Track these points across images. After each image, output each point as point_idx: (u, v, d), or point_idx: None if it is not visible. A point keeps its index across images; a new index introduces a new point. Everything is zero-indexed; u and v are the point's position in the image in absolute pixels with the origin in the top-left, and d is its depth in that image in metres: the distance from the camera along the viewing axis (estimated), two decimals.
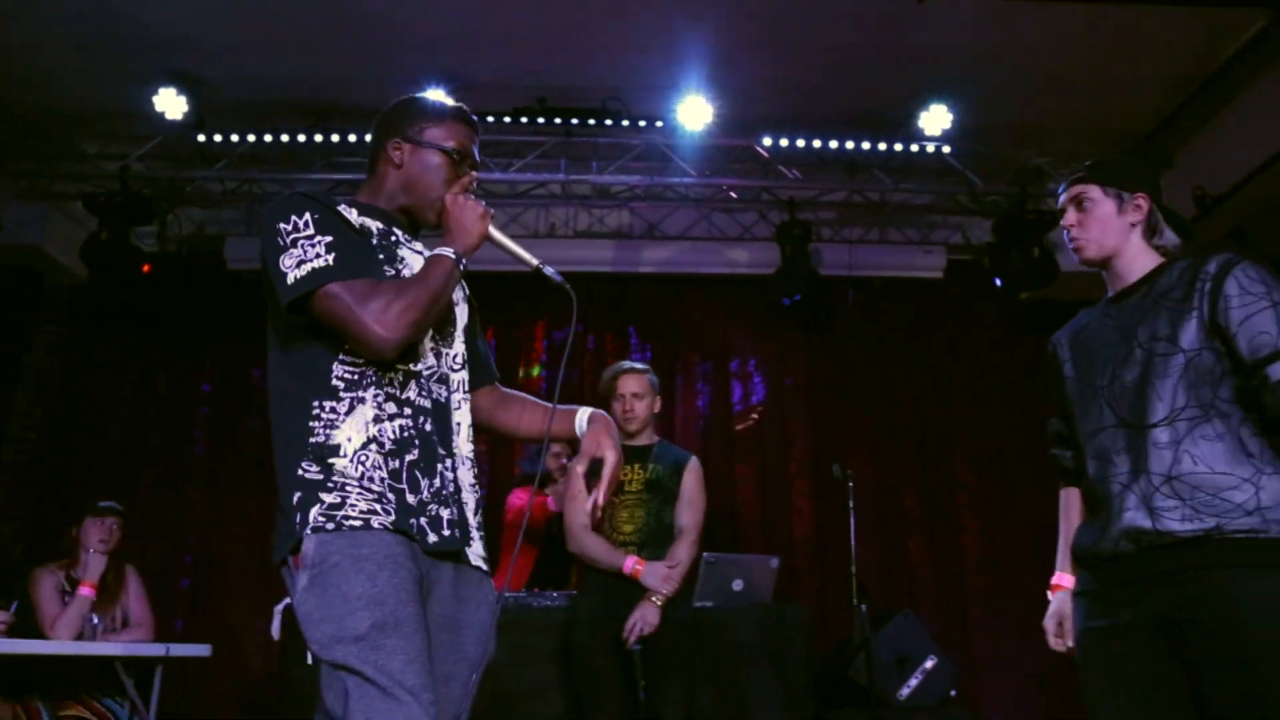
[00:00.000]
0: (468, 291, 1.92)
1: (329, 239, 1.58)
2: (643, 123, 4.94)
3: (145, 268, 5.11)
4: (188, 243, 5.49)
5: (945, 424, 5.55)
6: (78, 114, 5.06)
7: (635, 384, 3.46)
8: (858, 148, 5.10)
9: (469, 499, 1.72)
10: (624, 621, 3.20)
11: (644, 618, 3.20)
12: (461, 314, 1.86)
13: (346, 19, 4.37)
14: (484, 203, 1.75)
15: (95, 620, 3.72)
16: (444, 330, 1.77)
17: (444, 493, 1.65)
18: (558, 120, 4.92)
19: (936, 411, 5.56)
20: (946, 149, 5.07)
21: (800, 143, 5.06)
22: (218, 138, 4.99)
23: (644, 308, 5.55)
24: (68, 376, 5.37)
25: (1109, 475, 1.88)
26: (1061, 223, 2.05)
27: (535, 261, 1.76)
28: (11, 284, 5.40)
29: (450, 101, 1.87)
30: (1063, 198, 2.07)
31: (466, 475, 1.74)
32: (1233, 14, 4.29)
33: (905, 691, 4.18)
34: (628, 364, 3.59)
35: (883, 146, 5.07)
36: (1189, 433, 1.79)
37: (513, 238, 1.76)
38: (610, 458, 1.78)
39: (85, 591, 3.78)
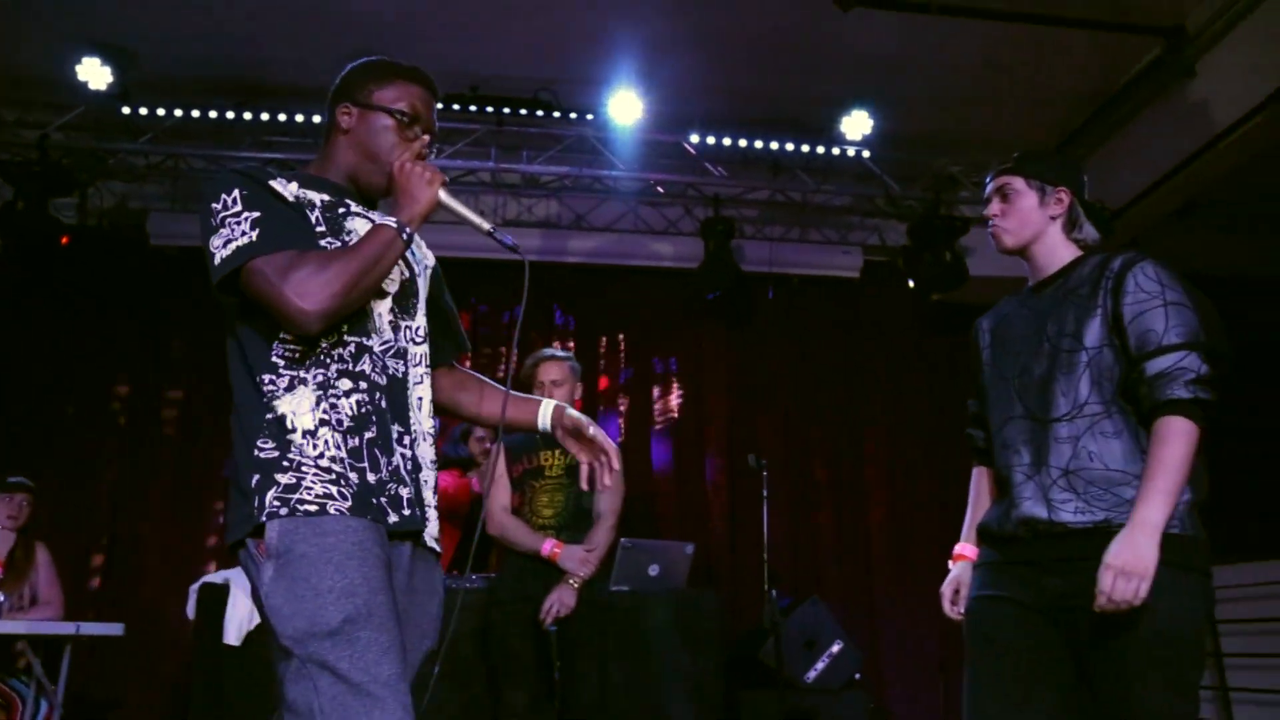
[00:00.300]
0: (432, 263, 1.88)
1: (255, 214, 1.53)
2: (574, 115, 5.02)
3: (64, 240, 5.01)
4: (109, 216, 5.38)
5: (857, 419, 5.76)
6: None
7: (555, 371, 3.51)
8: (781, 148, 5.25)
9: (428, 477, 1.67)
10: (540, 603, 3.29)
11: (561, 599, 3.29)
12: (423, 285, 1.80)
13: None
14: (434, 167, 1.67)
15: (1, 598, 3.68)
16: (404, 303, 1.71)
17: (402, 471, 1.60)
18: (489, 109, 4.97)
19: (849, 406, 5.76)
20: (866, 153, 5.26)
21: (726, 141, 5.19)
22: (143, 111, 4.90)
23: (569, 297, 5.62)
24: None
25: (1013, 464, 1.96)
26: (985, 211, 2.11)
27: (487, 226, 1.72)
28: None
29: (405, 63, 1.77)
30: (989, 187, 2.12)
31: (426, 452, 1.69)
32: (1131, 40, 4.55)
33: (812, 674, 4.34)
34: (549, 351, 3.66)
35: (805, 148, 5.23)
36: (1088, 429, 1.86)
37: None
38: (595, 431, 1.79)
39: None
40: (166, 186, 5.41)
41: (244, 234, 1.51)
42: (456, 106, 4.93)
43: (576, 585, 3.33)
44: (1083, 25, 4.40)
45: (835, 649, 4.39)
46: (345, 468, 1.52)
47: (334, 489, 1.48)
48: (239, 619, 3.52)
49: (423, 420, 1.69)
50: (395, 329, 1.67)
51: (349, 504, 1.48)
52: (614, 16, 4.53)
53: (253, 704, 3.51)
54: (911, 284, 5.48)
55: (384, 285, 1.65)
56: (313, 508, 1.46)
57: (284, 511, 1.45)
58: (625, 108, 4.92)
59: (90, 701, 4.62)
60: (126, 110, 4.89)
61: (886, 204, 5.65)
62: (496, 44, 4.73)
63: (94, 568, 4.89)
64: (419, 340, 1.73)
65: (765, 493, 4.11)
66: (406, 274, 1.74)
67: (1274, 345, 5.84)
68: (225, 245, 1.50)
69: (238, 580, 3.57)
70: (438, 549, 1.69)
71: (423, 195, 1.63)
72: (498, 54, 4.80)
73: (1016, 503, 1.91)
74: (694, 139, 5.22)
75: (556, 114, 5.01)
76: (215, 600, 3.57)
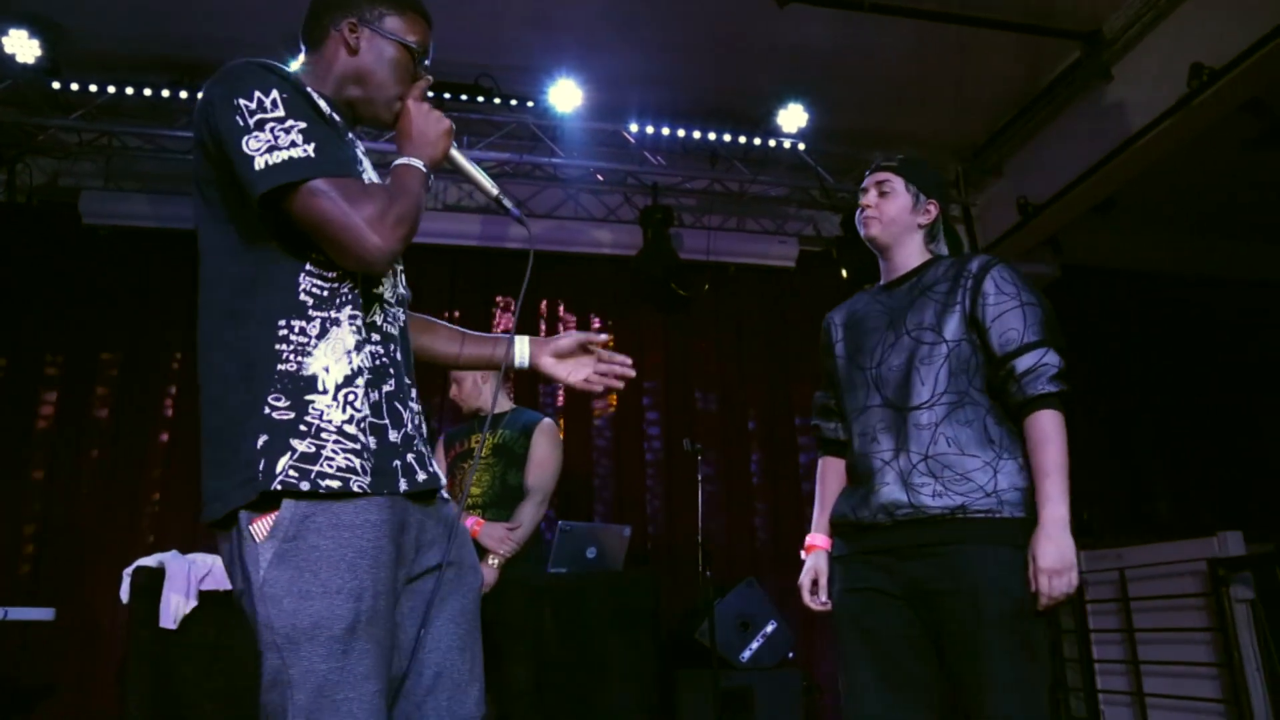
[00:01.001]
0: None
1: (303, 124, 1.37)
2: (514, 102, 5.05)
3: None
4: (39, 194, 5.27)
5: (792, 404, 5.90)
6: None
7: None
8: (719, 139, 5.34)
9: (426, 432, 1.60)
10: None
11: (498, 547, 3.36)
12: None
13: None
14: (446, 116, 1.58)
15: None
16: None
17: (418, 424, 1.53)
18: (430, 94, 4.95)
19: (782, 392, 5.90)
20: (801, 146, 5.38)
21: (665, 131, 5.27)
22: (74, 86, 4.80)
23: (509, 283, 5.66)
24: None
25: (872, 451, 2.05)
26: (860, 200, 2.24)
27: (495, 190, 1.66)
28: None
29: None
30: (868, 179, 2.24)
31: (419, 408, 1.60)
32: (1052, 43, 4.74)
33: (747, 654, 4.45)
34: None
35: (742, 140, 5.33)
36: (946, 416, 1.97)
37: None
38: (579, 335, 1.80)
39: None
40: (99, 164, 5.30)
41: (294, 144, 1.35)
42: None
43: (496, 564, 3.37)
44: (1007, 27, 4.57)
45: (770, 629, 4.51)
46: (368, 430, 1.40)
47: (357, 461, 1.36)
48: (175, 603, 3.52)
49: (412, 377, 1.61)
50: (394, 274, 1.58)
51: (369, 480, 1.37)
52: (555, 3, 4.57)
53: (191, 688, 3.53)
54: (845, 273, 5.64)
55: None
56: (335, 483, 1.34)
57: (304, 486, 1.32)
58: (565, 96, 4.96)
59: (22, 688, 4.57)
60: (56, 85, 4.78)
61: (821, 195, 5.79)
62: (436, 28, 4.68)
63: (24, 554, 4.80)
64: (405, 293, 1.63)
65: (699, 476, 4.22)
66: None
67: (1181, 336, 6.16)
68: (271, 152, 1.33)
69: (172, 564, 3.57)
70: (446, 494, 1.61)
71: (440, 142, 1.54)
72: (438, 38, 4.65)
73: (876, 488, 2.01)
74: (633, 128, 5.29)
75: (496, 100, 5.03)
76: (151, 584, 3.55)
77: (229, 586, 3.56)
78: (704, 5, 4.55)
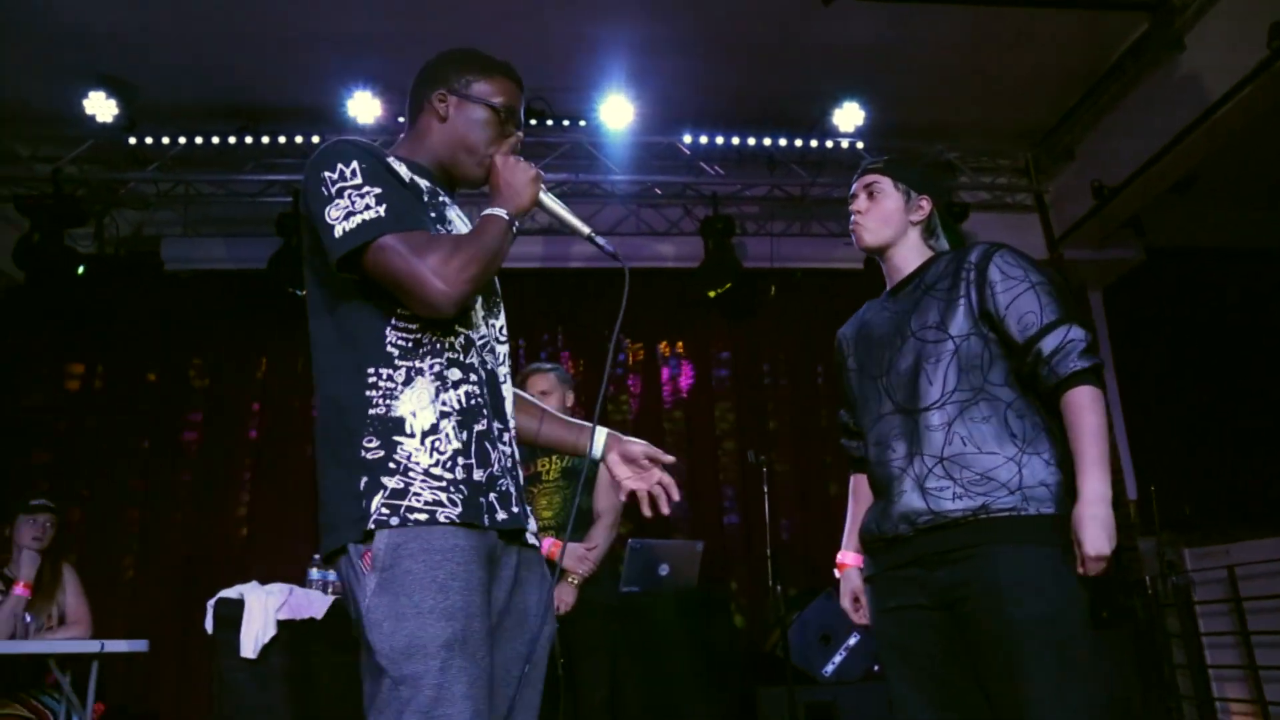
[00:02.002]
0: None
1: (378, 190, 1.48)
2: (566, 122, 5.08)
3: (80, 269, 5.16)
4: (126, 244, 5.53)
5: None
6: (10, 116, 5.08)
7: (543, 383, 3.65)
8: (775, 144, 5.27)
9: (520, 474, 1.65)
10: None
11: (560, 597, 3.36)
12: (498, 286, 1.76)
13: (272, 22, 4.44)
14: (535, 166, 1.66)
15: (29, 619, 3.79)
16: (489, 299, 1.68)
17: (506, 465, 1.57)
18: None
19: None
20: (860, 144, 5.26)
21: (719, 140, 5.23)
22: (148, 140, 5.05)
23: (573, 302, 5.68)
24: (7, 378, 5.39)
25: (888, 459, 1.96)
26: (850, 206, 2.17)
27: (587, 230, 1.70)
28: None
29: (497, 58, 1.75)
30: (855, 184, 2.18)
31: (517, 450, 1.66)
32: (1117, 17, 4.53)
33: (830, 668, 4.33)
34: (535, 365, 3.81)
35: (799, 143, 5.25)
36: (959, 415, 1.88)
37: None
38: (651, 450, 1.76)
39: (19, 590, 3.85)
40: (176, 213, 5.54)
41: (368, 208, 1.46)
42: None
43: (575, 583, 3.40)
44: (1067, 4, 4.39)
45: (852, 641, 4.38)
46: (456, 468, 1.47)
47: (444, 495, 1.44)
48: (254, 632, 3.61)
49: (510, 420, 1.66)
50: (487, 324, 1.65)
51: (459, 510, 1.44)
52: (599, 22, 4.59)
53: (272, 714, 3.60)
54: None
55: None
56: (423, 516, 1.42)
57: (394, 521, 1.41)
58: (616, 112, 4.97)
59: (129, 715, 4.77)
60: (133, 140, 5.03)
61: None
62: (486, 54, 4.78)
63: (122, 586, 5.02)
64: (502, 340, 1.71)
65: (765, 488, 4.13)
66: None
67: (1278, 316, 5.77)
68: (348, 218, 1.46)
69: (250, 595, 3.66)
70: (537, 543, 1.66)
71: (526, 191, 1.62)
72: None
73: (894, 498, 1.93)
74: (687, 139, 5.26)
75: (549, 121, 5.07)
76: (231, 615, 3.65)
77: (304, 615, 3.66)
78: (748, 10, 4.51)
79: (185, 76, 4.86)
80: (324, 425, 1.52)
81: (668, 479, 1.77)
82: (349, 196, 1.47)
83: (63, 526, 4.25)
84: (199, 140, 5.05)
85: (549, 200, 1.68)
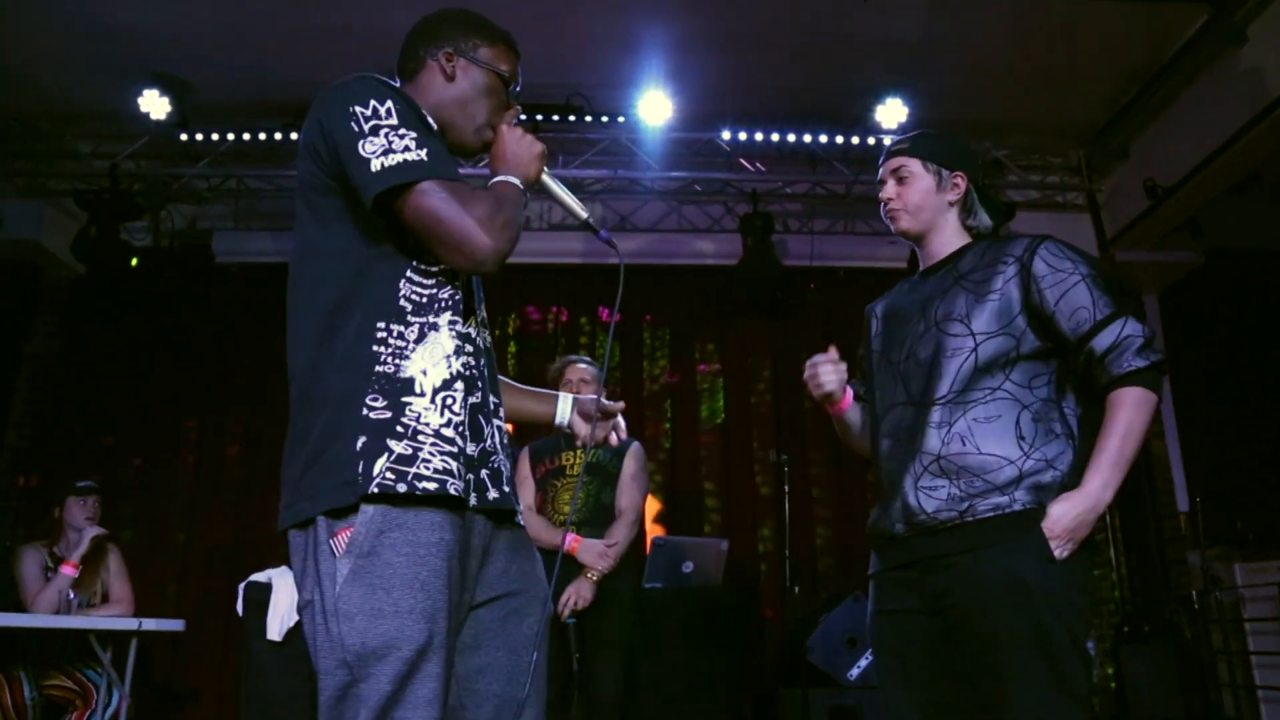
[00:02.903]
0: None
1: (415, 134, 1.40)
2: (605, 118, 5.08)
3: (134, 261, 5.35)
4: (180, 237, 5.72)
5: None
6: (71, 114, 5.28)
7: (585, 372, 3.66)
8: (815, 141, 5.20)
9: (509, 453, 1.60)
10: (559, 596, 3.38)
11: (578, 592, 3.37)
12: None
13: (318, 18, 4.53)
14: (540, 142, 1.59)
15: (72, 596, 3.94)
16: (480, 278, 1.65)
17: (497, 444, 1.53)
18: (523, 116, 5.07)
19: None
20: None
21: (759, 136, 5.18)
22: (199, 136, 5.21)
23: (608, 299, 5.69)
24: (65, 365, 5.61)
25: (893, 453, 1.90)
26: (880, 194, 2.06)
27: (585, 214, 1.67)
28: (12, 278, 5.66)
29: (500, 27, 1.69)
30: (882, 170, 2.06)
31: (505, 428, 1.62)
32: (1174, 9, 4.36)
33: (855, 671, 4.28)
34: (574, 356, 3.81)
35: (840, 140, 5.18)
36: (965, 414, 1.79)
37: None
38: (603, 403, 1.77)
39: (66, 570, 4.00)
40: (228, 207, 5.70)
41: (408, 149, 1.38)
42: None
43: (594, 579, 3.40)
44: None
45: None
46: (464, 437, 1.41)
47: (454, 464, 1.38)
48: (280, 615, 3.70)
49: (499, 396, 1.62)
50: (480, 297, 1.62)
51: (463, 484, 1.39)
52: (637, 18, 4.59)
53: (295, 697, 3.69)
54: None
55: None
56: (432, 485, 1.35)
57: (400, 488, 1.33)
58: (655, 108, 4.96)
59: (169, 693, 4.95)
60: (185, 137, 5.19)
61: None
62: (525, 51, 4.81)
63: (168, 568, 5.19)
64: (486, 321, 1.68)
65: (786, 487, 4.08)
66: None
67: None
68: (386, 154, 1.37)
69: (279, 579, 3.76)
70: (523, 524, 1.61)
71: (532, 166, 1.56)
72: (526, 61, 4.87)
73: (894, 496, 1.86)
74: (726, 135, 5.22)
75: (588, 118, 5.08)
76: (260, 598, 3.76)
77: None
78: (787, 5, 4.46)
79: (235, 74, 4.99)
80: (313, 376, 1.42)
81: (617, 416, 1.81)
82: (385, 135, 1.38)
83: (110, 508, 4.41)
84: (248, 136, 5.19)
85: (550, 181, 1.63)
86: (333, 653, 1.32)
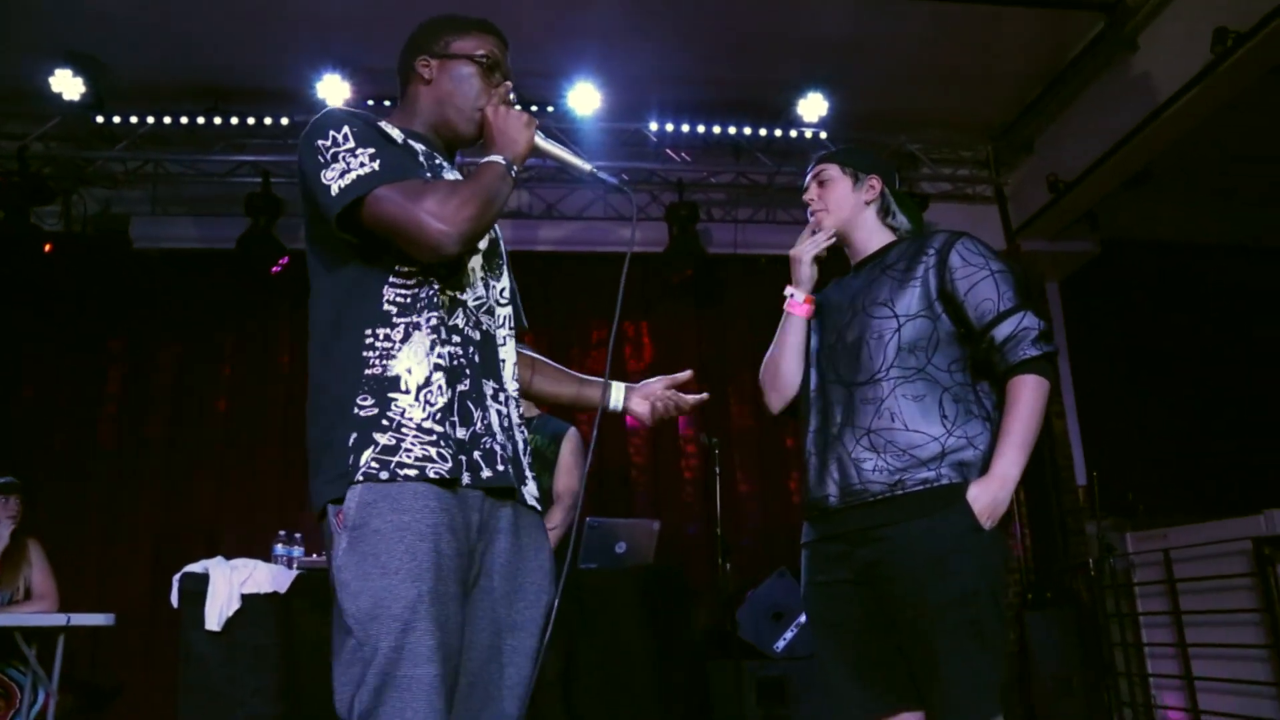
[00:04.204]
0: (497, 232, 1.83)
1: (371, 149, 1.50)
2: (534, 108, 5.13)
3: (47, 247, 5.18)
4: (94, 222, 5.53)
5: None
6: None
7: None
8: (740, 133, 5.35)
9: (519, 437, 1.66)
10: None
11: None
12: (503, 247, 1.78)
13: (244, 1, 4.44)
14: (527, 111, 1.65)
15: None
16: (492, 261, 1.70)
17: (496, 426, 1.58)
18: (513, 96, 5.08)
19: None
20: (824, 134, 5.34)
21: (685, 128, 5.30)
22: (116, 119, 5.05)
23: (540, 285, 5.75)
24: None
25: (824, 428, 2.04)
26: (804, 197, 2.25)
27: (588, 166, 1.72)
28: None
29: (474, 16, 1.76)
30: (807, 177, 2.27)
31: (515, 412, 1.67)
32: (1074, 17, 4.63)
33: (781, 644, 4.45)
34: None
35: (763, 132, 5.33)
36: (893, 391, 1.95)
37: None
38: (669, 378, 1.93)
39: None
40: (145, 191, 5.54)
41: (362, 165, 1.47)
42: None
43: None
44: (1027, 3, 4.48)
45: (803, 619, 4.50)
46: (445, 423, 1.48)
47: (434, 450, 1.45)
48: (219, 605, 3.69)
49: (509, 382, 1.67)
50: (487, 286, 1.66)
51: (449, 465, 1.45)
52: (568, 9, 4.62)
53: (237, 686, 3.69)
54: None
55: (479, 242, 1.62)
56: (412, 471, 1.43)
57: (384, 475, 1.42)
58: (584, 99, 5.03)
59: (95, 689, 4.84)
60: (100, 119, 5.04)
61: None
62: None
63: (89, 562, 5.08)
64: (503, 301, 1.72)
65: (718, 470, 4.24)
66: (494, 232, 1.73)
67: (1225, 309, 5.94)
68: (343, 176, 1.47)
69: (215, 569, 3.74)
70: (539, 507, 1.67)
71: (521, 136, 1.61)
72: None
73: (826, 466, 2.01)
74: (654, 126, 5.33)
75: (518, 107, 5.10)
76: (197, 589, 3.73)
77: (269, 590, 3.72)
78: (716, 1, 4.56)
79: (155, 55, 4.84)
80: (317, 386, 1.54)
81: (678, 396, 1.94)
82: (343, 159, 1.48)
83: (31, 505, 4.30)
84: (168, 120, 5.06)
85: (546, 144, 1.67)
86: (340, 620, 1.42)
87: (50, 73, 4.74)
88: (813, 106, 5.15)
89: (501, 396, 1.63)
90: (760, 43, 4.89)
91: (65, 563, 4.80)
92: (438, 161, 1.66)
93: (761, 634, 4.40)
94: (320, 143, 1.51)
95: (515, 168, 1.59)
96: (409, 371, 1.50)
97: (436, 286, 1.56)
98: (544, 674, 3.43)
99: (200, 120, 5.06)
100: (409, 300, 1.54)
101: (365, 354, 1.50)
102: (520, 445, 1.65)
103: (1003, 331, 1.93)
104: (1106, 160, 4.88)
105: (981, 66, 5.03)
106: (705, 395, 2.00)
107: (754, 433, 5.71)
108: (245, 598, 3.75)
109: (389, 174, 1.47)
